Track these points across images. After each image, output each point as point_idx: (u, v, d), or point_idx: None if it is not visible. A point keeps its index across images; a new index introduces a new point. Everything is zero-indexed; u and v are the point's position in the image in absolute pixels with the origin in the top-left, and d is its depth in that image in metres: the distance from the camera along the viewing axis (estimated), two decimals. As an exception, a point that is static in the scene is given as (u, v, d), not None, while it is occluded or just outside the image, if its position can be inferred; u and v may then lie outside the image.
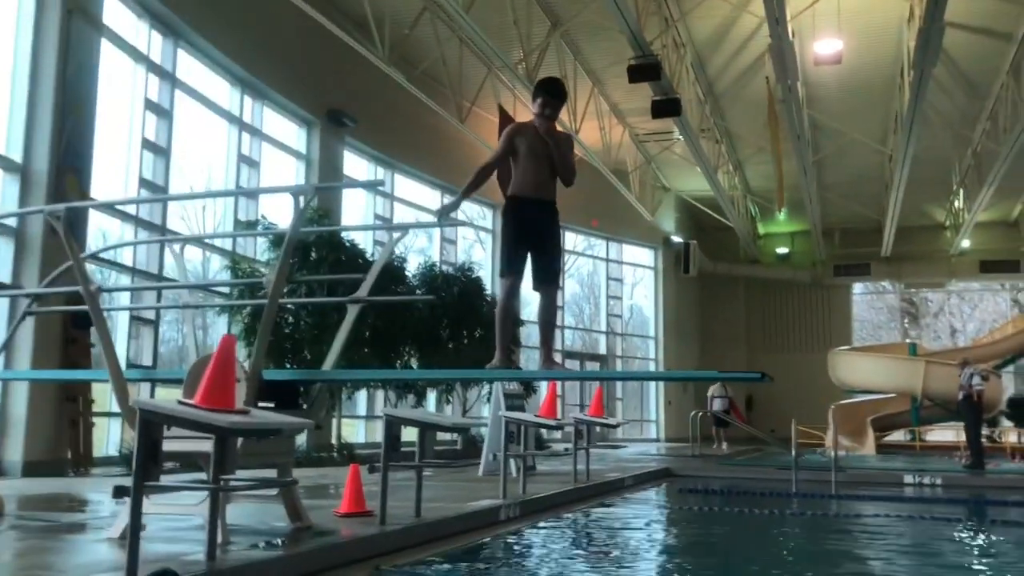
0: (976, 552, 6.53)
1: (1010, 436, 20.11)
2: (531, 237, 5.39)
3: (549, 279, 5.51)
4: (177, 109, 11.65)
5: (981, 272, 25.55)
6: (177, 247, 6.65)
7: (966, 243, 24.13)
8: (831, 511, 8.47)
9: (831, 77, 16.10)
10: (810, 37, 14.06)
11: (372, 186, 14.26)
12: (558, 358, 5.67)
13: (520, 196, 5.39)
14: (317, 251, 11.59)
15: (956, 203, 23.30)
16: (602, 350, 24.38)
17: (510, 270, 5.43)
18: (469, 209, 18.95)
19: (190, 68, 12.03)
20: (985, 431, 19.09)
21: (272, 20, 12.73)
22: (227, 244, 12.69)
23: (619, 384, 24.16)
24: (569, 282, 23.60)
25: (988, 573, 5.58)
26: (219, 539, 4.09)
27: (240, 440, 4.40)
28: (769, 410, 23.50)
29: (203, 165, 13.19)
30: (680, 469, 12.49)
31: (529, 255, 5.41)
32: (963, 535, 7.38)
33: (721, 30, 14.90)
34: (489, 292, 16.32)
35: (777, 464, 12.79)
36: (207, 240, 12.48)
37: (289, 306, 11.22)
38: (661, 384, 24.95)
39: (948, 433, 20.76)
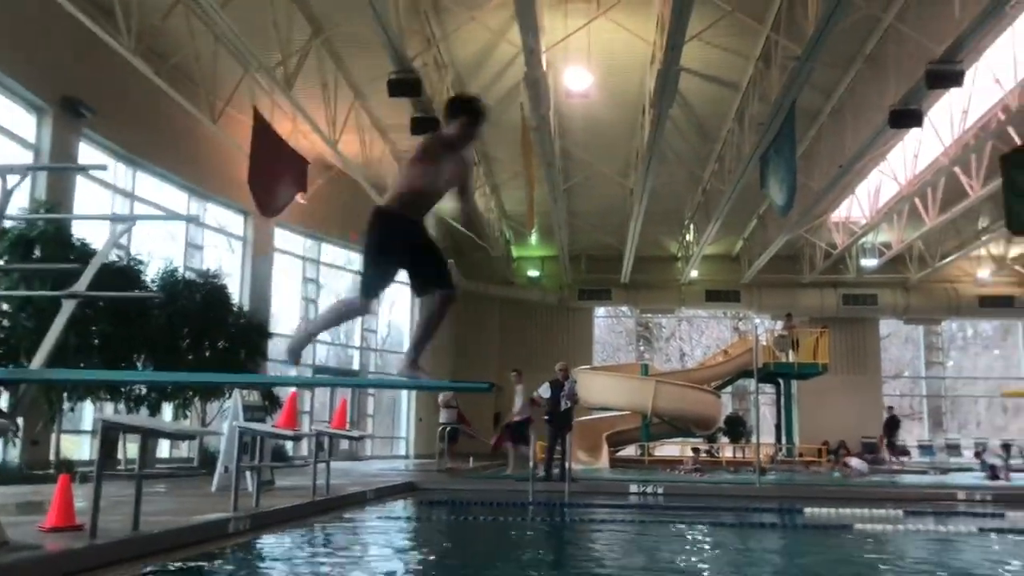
0: (675, 544, 7.27)
1: (727, 451, 22.06)
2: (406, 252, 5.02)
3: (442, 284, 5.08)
4: None
5: (707, 301, 28.03)
6: None
7: (695, 273, 26.34)
8: (561, 517, 8.93)
9: (581, 110, 17.03)
10: (563, 70, 14.82)
11: (88, 169, 12.99)
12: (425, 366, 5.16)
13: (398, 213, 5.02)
14: (43, 249, 10.67)
15: (687, 236, 25.37)
16: (356, 366, 24.17)
17: (372, 293, 5.00)
18: (221, 215, 18.18)
19: None
20: (704, 446, 20.93)
21: (1, -6, 11.59)
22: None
23: (371, 400, 24.04)
24: (326, 297, 23.21)
25: (681, 558, 6.45)
26: None
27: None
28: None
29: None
30: (424, 483, 12.58)
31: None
32: (670, 533, 8.15)
33: (481, 55, 15.30)
34: (236, 302, 15.66)
35: (516, 477, 13.24)
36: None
37: (4, 306, 10.25)
38: (412, 401, 25.12)
39: (673, 448, 22.49)
